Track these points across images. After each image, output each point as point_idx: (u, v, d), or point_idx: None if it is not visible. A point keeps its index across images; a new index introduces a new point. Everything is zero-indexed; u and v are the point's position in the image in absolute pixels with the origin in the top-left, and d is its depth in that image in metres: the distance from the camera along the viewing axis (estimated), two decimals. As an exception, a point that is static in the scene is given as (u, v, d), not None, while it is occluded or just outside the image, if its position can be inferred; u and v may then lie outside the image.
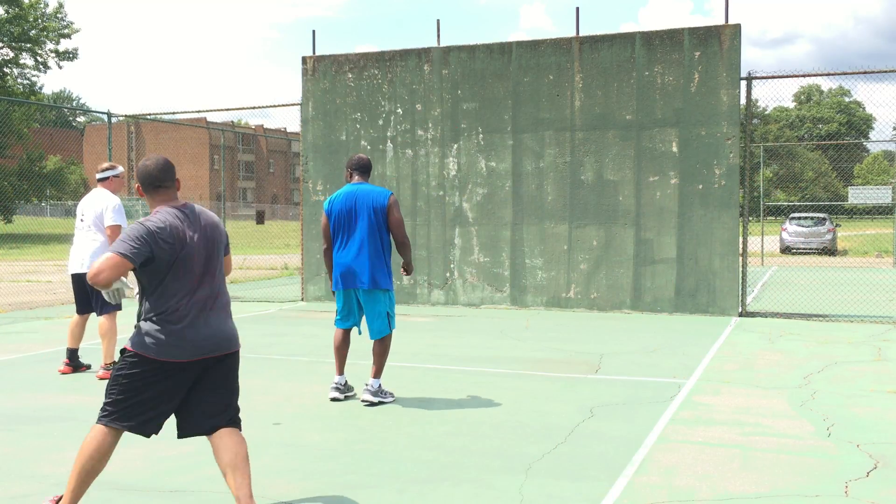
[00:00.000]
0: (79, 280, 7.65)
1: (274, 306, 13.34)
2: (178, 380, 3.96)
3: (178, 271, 3.87)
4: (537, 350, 9.04)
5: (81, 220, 7.64)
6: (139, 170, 4.02)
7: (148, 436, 4.05)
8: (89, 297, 7.60)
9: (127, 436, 5.61)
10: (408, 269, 6.72)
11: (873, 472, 4.83)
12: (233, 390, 4.19)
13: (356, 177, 6.65)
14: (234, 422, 4.20)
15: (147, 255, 3.78)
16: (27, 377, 7.66)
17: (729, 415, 6.15)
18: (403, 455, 5.18)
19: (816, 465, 4.94)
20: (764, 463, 4.99)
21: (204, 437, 5.57)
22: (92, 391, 7.03)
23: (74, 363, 7.82)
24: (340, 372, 6.72)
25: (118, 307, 7.34)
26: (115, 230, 7.35)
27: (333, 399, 6.64)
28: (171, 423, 5.95)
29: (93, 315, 7.88)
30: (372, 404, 6.47)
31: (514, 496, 4.44)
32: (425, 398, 6.73)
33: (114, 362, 7.37)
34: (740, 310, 11.78)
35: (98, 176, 7.63)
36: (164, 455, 5.18)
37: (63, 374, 7.73)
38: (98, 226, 7.50)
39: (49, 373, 7.83)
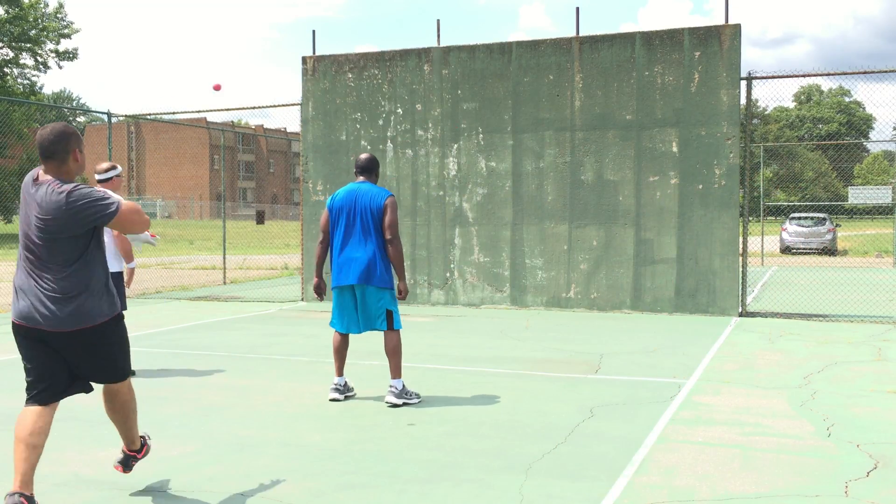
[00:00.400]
0: None
1: (274, 306, 13.35)
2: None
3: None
4: (537, 350, 9.04)
5: None
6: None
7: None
8: None
9: (127, 436, 5.61)
10: (401, 292, 6.59)
11: (873, 472, 4.83)
12: None
13: (360, 176, 6.67)
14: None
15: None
16: (27, 377, 7.65)
17: (729, 415, 6.15)
18: (403, 455, 5.18)
19: (816, 465, 4.94)
20: (764, 463, 4.99)
21: (204, 437, 5.57)
22: (92, 391, 7.03)
23: None
24: (340, 373, 6.73)
25: (123, 306, 7.35)
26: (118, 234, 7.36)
27: (333, 399, 6.64)
28: (170, 427, 5.96)
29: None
30: (395, 405, 6.46)
31: (514, 496, 4.44)
32: (425, 398, 6.73)
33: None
34: (740, 310, 11.78)
35: (99, 177, 7.55)
36: (165, 455, 5.18)
37: None
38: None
39: (49, 373, 7.82)
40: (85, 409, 6.40)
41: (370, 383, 7.31)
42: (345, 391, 6.71)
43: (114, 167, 7.61)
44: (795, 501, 4.36)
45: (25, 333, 4.11)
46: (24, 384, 4.31)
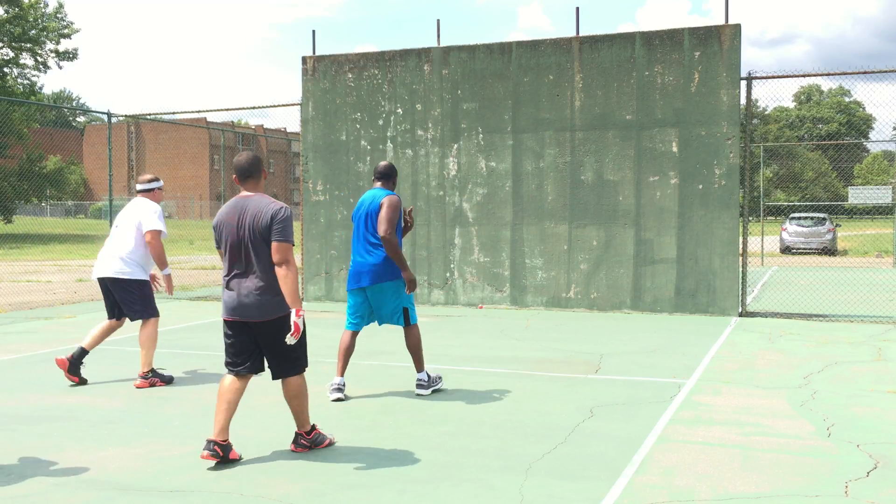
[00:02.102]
0: (104, 285, 7.41)
1: (274, 306, 13.32)
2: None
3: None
4: (537, 350, 9.03)
5: (116, 228, 7.49)
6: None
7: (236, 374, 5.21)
8: (116, 303, 7.41)
9: (127, 435, 5.61)
10: (409, 286, 6.63)
11: (873, 472, 4.83)
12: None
13: (377, 182, 6.83)
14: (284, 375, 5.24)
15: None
16: (27, 377, 7.66)
17: (729, 415, 6.15)
18: (403, 455, 5.18)
19: (816, 465, 4.95)
20: (764, 463, 4.99)
21: (204, 437, 5.56)
22: (92, 391, 7.04)
23: (76, 368, 7.26)
24: (341, 374, 6.74)
25: (156, 313, 7.44)
26: (156, 235, 7.30)
27: (337, 400, 6.64)
28: (169, 423, 5.96)
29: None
30: (423, 395, 6.82)
31: (514, 496, 4.44)
32: (425, 398, 6.73)
33: (152, 370, 7.29)
34: (740, 310, 11.78)
35: (140, 187, 7.54)
36: (164, 455, 5.18)
37: (60, 368, 7.24)
38: (133, 232, 7.34)
39: (49, 373, 7.82)
40: (85, 409, 6.40)
41: (370, 383, 7.31)
42: (344, 389, 6.72)
43: (155, 179, 7.62)
44: (795, 501, 4.36)
45: (230, 325, 5.11)
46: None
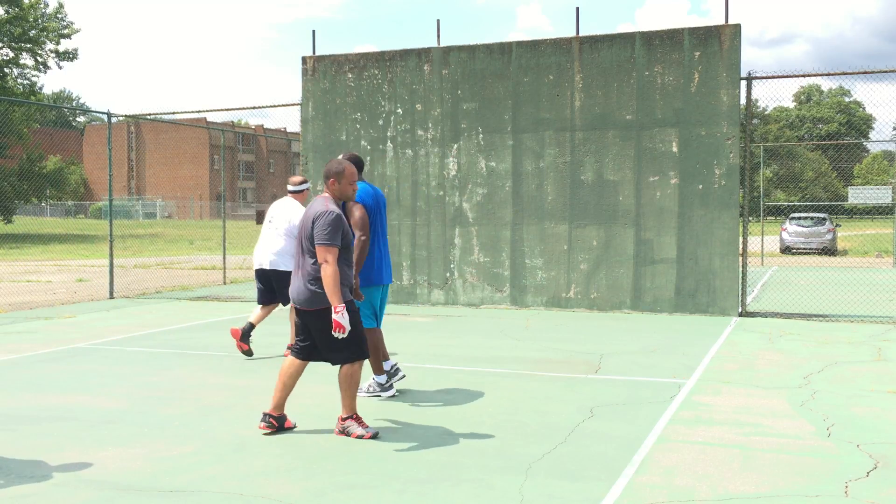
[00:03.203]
0: (264, 275, 8.52)
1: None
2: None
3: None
4: (537, 350, 9.03)
5: (270, 222, 8.51)
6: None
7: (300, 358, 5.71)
8: (273, 291, 8.54)
9: (127, 435, 5.62)
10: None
11: (873, 472, 4.83)
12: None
13: (360, 174, 6.68)
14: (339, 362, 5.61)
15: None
16: (27, 377, 7.66)
17: (729, 415, 6.15)
18: (403, 455, 5.18)
19: (816, 465, 4.95)
20: (764, 463, 4.99)
21: (204, 437, 5.57)
22: (92, 391, 7.04)
23: (246, 338, 8.52)
24: (381, 370, 6.74)
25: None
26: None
27: (394, 395, 6.77)
28: (169, 423, 5.96)
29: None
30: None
31: (514, 496, 4.44)
32: (425, 398, 6.73)
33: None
34: (740, 310, 11.78)
35: (292, 188, 8.54)
36: (164, 455, 5.18)
37: (233, 337, 8.54)
38: (288, 231, 8.36)
39: (49, 373, 7.83)
40: (85, 409, 6.40)
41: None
42: (393, 374, 6.79)
43: (305, 181, 8.67)
44: (795, 501, 4.36)
45: (295, 308, 5.65)
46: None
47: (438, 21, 13.30)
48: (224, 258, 18.52)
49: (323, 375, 7.66)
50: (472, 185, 13.09)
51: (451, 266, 13.23)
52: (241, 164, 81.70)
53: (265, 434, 5.61)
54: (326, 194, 5.58)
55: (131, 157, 78.38)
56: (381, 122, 13.55)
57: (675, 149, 12.00)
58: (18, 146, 40.95)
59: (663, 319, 11.56)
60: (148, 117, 16.33)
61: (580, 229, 12.50)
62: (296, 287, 5.52)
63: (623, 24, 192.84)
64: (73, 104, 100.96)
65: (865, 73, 11.40)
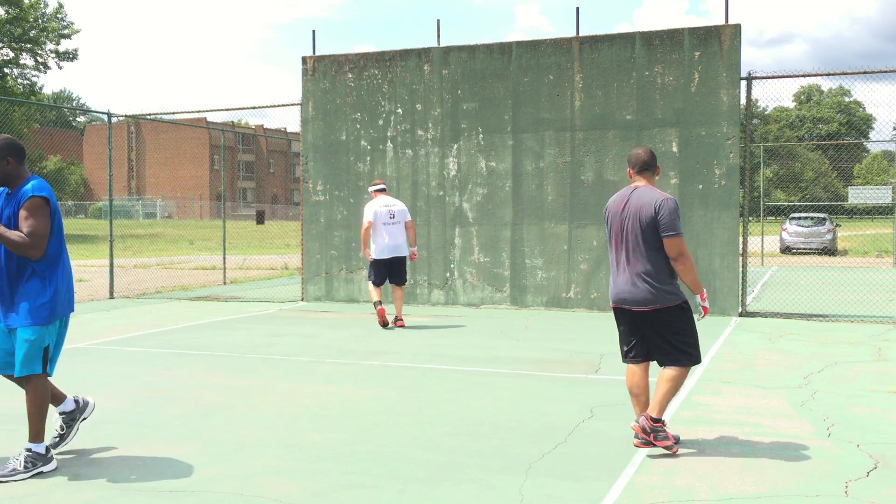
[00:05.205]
0: (388, 264, 10.72)
1: (274, 306, 13.34)
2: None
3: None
4: (537, 350, 9.04)
5: (392, 217, 10.69)
6: (631, 156, 5.46)
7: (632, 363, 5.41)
8: (389, 276, 10.80)
9: (127, 435, 5.61)
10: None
11: (873, 472, 4.83)
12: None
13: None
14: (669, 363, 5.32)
15: None
16: (27, 377, 7.64)
17: (729, 415, 6.15)
18: (403, 455, 5.18)
19: (816, 465, 4.94)
20: (764, 463, 4.99)
21: (204, 437, 5.57)
22: (92, 391, 7.03)
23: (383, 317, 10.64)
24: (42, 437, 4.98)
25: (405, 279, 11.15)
26: (411, 224, 10.98)
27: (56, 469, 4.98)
28: (169, 423, 5.95)
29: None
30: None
31: (514, 496, 4.44)
32: (425, 398, 6.73)
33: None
34: (740, 310, 11.78)
35: (375, 188, 10.90)
36: (164, 455, 5.18)
37: (379, 316, 10.58)
38: (403, 222, 10.80)
39: (49, 373, 7.83)
40: (85, 409, 6.39)
41: (370, 383, 7.31)
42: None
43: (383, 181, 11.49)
44: (795, 501, 4.36)
45: (615, 311, 5.41)
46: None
47: (438, 21, 13.31)
48: (224, 258, 18.52)
49: (323, 375, 7.67)
50: (472, 185, 13.09)
51: (451, 266, 13.24)
52: (241, 164, 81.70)
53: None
54: (643, 183, 5.35)
55: (131, 157, 78.37)
56: (381, 122, 13.55)
57: (675, 149, 12.00)
58: (18, 146, 40.88)
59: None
60: (148, 117, 16.34)
61: (580, 229, 12.50)
62: (637, 288, 5.20)
63: (621, 24, 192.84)
64: (73, 104, 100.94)
65: (865, 73, 11.39)
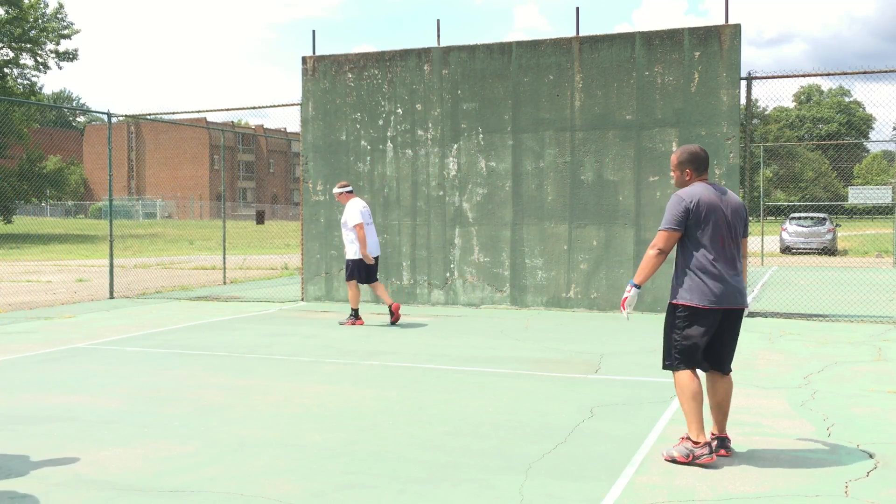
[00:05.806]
0: (377, 260, 11.08)
1: (274, 306, 13.34)
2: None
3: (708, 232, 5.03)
4: (537, 350, 9.03)
5: (371, 217, 11.09)
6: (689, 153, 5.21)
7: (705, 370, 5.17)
8: (370, 274, 10.98)
9: (127, 435, 5.62)
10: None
11: (873, 472, 4.83)
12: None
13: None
14: (730, 369, 5.20)
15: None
16: (27, 377, 7.66)
17: (729, 415, 6.13)
18: (403, 455, 5.18)
19: (816, 465, 4.94)
20: (764, 463, 4.99)
21: (204, 437, 5.56)
22: (92, 391, 7.04)
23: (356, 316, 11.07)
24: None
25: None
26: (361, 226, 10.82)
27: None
28: (169, 423, 5.96)
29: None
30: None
31: (514, 496, 4.44)
32: (425, 398, 6.73)
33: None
34: (740, 310, 11.76)
35: (347, 189, 11.07)
36: (164, 455, 5.18)
37: (394, 311, 10.92)
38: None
39: (49, 373, 7.83)
40: (85, 409, 6.40)
41: (370, 383, 7.31)
42: None
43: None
44: (795, 501, 4.36)
45: (710, 314, 5.07)
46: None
47: (438, 21, 13.30)
48: (224, 258, 18.51)
49: (323, 375, 7.67)
50: (472, 185, 13.09)
51: (451, 266, 13.24)
52: (241, 164, 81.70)
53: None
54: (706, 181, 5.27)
55: (131, 157, 78.38)
56: (381, 122, 13.55)
57: (675, 149, 11.99)
58: (18, 146, 40.97)
59: (663, 319, 11.53)
60: (148, 117, 16.33)
61: (580, 229, 12.50)
62: (743, 286, 5.11)
63: (620, 24, 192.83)
64: (73, 104, 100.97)
65: (865, 73, 11.40)
